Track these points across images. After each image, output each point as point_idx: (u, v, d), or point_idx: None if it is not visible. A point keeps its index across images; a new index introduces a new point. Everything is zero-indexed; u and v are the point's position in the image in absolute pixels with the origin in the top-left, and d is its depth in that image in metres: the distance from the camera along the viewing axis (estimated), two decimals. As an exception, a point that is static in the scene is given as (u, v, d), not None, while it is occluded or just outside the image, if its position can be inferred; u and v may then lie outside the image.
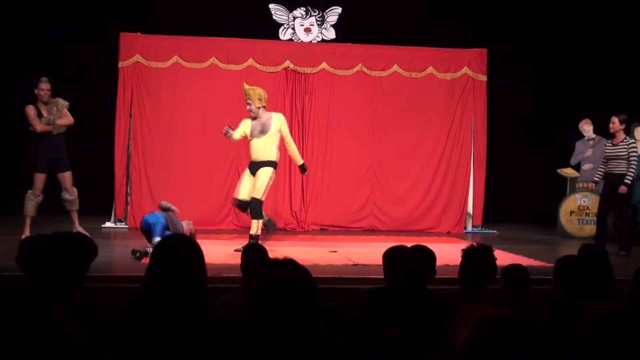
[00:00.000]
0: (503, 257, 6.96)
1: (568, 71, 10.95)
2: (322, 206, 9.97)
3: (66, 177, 7.91)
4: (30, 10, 10.09)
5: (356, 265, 6.59)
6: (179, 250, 2.54)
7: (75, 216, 7.95)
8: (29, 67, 10.10)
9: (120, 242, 8.37)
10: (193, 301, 2.45)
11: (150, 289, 2.49)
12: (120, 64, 9.59)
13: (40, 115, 7.73)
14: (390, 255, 3.82)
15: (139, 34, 9.70)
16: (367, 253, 7.15)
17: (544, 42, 10.95)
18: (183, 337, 2.38)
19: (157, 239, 6.77)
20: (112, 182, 9.55)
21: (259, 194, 7.30)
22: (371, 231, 9.96)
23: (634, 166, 7.92)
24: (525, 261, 6.71)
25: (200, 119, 9.73)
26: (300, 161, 7.84)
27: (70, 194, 7.91)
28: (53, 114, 7.77)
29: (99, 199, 9.61)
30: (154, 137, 9.69)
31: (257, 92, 7.64)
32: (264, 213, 7.54)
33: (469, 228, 10.24)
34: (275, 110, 9.97)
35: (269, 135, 7.47)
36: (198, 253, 2.60)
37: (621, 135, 8.03)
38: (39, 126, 7.69)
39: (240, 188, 7.51)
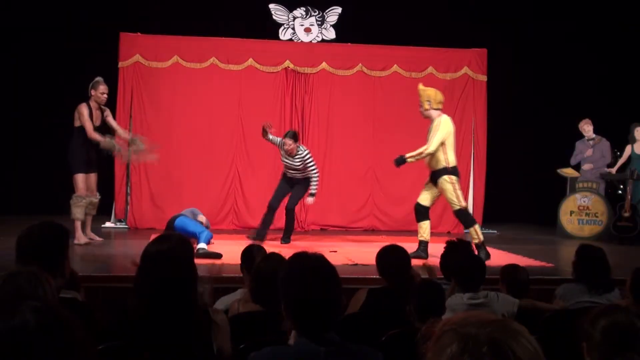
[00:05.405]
0: (503, 257, 6.97)
1: (568, 71, 10.94)
2: (322, 206, 9.96)
3: (93, 178, 7.75)
4: (30, 10, 10.07)
5: (356, 265, 6.59)
6: (169, 251, 2.54)
7: (89, 221, 7.78)
8: (29, 66, 10.10)
9: (120, 242, 8.36)
10: (187, 301, 2.45)
11: (144, 290, 2.49)
12: (120, 64, 9.59)
13: (91, 118, 7.51)
14: (383, 254, 3.86)
15: (139, 34, 9.70)
16: (367, 253, 7.13)
17: (544, 42, 10.94)
18: (181, 337, 2.38)
19: (203, 245, 6.94)
20: (112, 182, 9.54)
21: (457, 205, 7.00)
22: (371, 231, 9.96)
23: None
24: (525, 261, 6.72)
25: (200, 119, 9.72)
26: (409, 155, 7.11)
27: (96, 196, 7.75)
28: (133, 147, 7.69)
29: (99, 199, 9.59)
30: (154, 137, 9.65)
31: (426, 94, 7.00)
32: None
33: (469, 228, 10.23)
34: (275, 111, 10.01)
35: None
36: (188, 252, 2.60)
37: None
38: (90, 129, 7.42)
39: (421, 195, 7.30)
